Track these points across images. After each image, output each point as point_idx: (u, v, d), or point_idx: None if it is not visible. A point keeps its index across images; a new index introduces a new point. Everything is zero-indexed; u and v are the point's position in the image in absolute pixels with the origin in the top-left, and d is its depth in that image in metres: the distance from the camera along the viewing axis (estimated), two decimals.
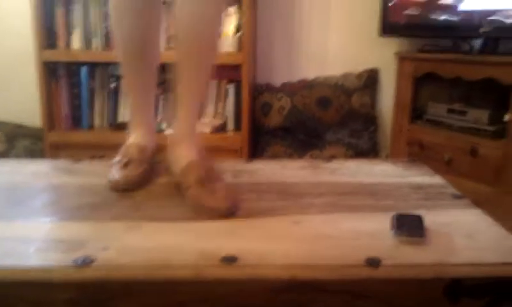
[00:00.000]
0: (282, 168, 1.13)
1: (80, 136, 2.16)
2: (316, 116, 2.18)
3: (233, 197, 0.88)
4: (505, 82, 1.66)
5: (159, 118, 2.23)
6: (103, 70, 2.19)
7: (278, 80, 2.31)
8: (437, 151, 1.88)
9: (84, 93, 2.18)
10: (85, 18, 2.12)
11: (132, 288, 0.65)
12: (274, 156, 2.14)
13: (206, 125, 2.12)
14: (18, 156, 2.12)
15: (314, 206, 0.90)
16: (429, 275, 0.66)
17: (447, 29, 1.93)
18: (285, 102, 2.19)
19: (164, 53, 2.09)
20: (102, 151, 2.04)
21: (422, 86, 2.04)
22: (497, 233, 0.79)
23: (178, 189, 0.93)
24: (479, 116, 1.78)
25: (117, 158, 1.02)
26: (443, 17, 1.92)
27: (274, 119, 2.19)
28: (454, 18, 1.88)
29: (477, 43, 1.92)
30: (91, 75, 2.19)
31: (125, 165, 0.99)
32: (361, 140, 2.16)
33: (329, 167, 1.15)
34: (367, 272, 0.67)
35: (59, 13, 2.11)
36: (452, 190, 0.99)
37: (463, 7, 1.86)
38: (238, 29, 2.08)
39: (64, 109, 2.19)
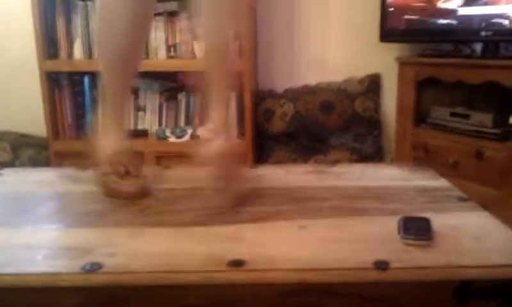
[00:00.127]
0: (287, 173, 1.13)
1: (85, 145, 2.17)
2: (319, 121, 2.19)
3: (241, 195, 0.95)
4: (507, 85, 1.66)
5: (163, 124, 2.24)
6: None
7: (280, 86, 2.32)
8: (442, 154, 1.88)
9: (88, 102, 2.19)
10: (86, 28, 2.13)
11: (140, 293, 0.65)
12: (279, 162, 2.14)
13: (210, 131, 2.12)
14: (23, 165, 2.12)
15: (321, 210, 0.90)
16: (438, 278, 0.66)
17: (447, 33, 1.93)
18: (288, 108, 2.20)
19: (166, 62, 2.14)
20: None
21: (424, 90, 2.04)
22: (505, 235, 0.78)
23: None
24: (483, 119, 1.78)
25: (108, 167, 1.00)
26: (443, 22, 1.92)
27: (278, 125, 2.20)
28: (454, 23, 1.89)
29: (478, 46, 1.92)
30: (94, 84, 2.20)
31: (127, 173, 0.99)
32: (365, 144, 2.16)
33: (334, 171, 1.15)
34: (375, 275, 0.66)
35: (61, 23, 2.13)
36: (458, 193, 0.99)
37: (462, 11, 1.86)
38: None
39: (68, 118, 2.20)
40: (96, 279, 0.65)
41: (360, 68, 2.28)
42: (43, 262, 0.70)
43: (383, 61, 2.25)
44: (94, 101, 2.21)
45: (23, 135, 2.27)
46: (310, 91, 2.25)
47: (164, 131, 2.16)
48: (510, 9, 1.73)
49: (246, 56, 2.03)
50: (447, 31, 1.92)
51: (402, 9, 2.04)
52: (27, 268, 0.68)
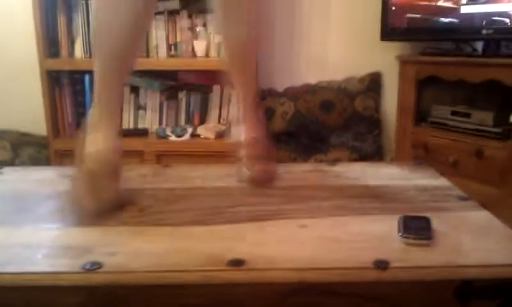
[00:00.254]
0: (287, 172, 1.13)
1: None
2: (319, 119, 2.18)
3: (270, 174, 1.07)
4: (508, 83, 1.66)
5: (164, 123, 2.24)
6: None
7: (280, 85, 2.32)
8: (442, 153, 1.88)
9: (88, 101, 2.19)
10: (87, 27, 2.13)
11: (139, 293, 0.65)
12: (279, 160, 2.12)
13: (210, 130, 2.13)
14: (23, 164, 2.12)
15: (321, 209, 0.89)
16: (438, 277, 0.66)
17: (448, 31, 1.93)
18: (288, 107, 2.19)
19: (167, 60, 2.14)
20: None
21: (424, 89, 2.04)
22: (505, 234, 0.78)
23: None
24: (484, 117, 1.78)
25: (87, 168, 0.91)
26: (444, 20, 1.92)
27: (278, 124, 2.19)
28: (456, 21, 1.88)
29: (479, 45, 1.92)
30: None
31: (114, 174, 0.94)
32: (365, 143, 2.16)
33: (334, 170, 1.15)
34: (375, 275, 0.66)
35: (62, 21, 2.13)
36: (458, 192, 0.99)
37: (464, 9, 1.86)
38: None
39: (68, 116, 2.21)
40: (96, 278, 0.65)
41: (361, 67, 2.28)
42: (43, 261, 0.70)
43: (384, 60, 2.25)
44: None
45: (23, 134, 2.27)
46: (310, 90, 2.25)
47: (164, 130, 2.16)
48: (511, 7, 1.73)
49: None
50: (448, 29, 1.92)
51: (403, 8, 2.04)
52: (27, 267, 0.68)
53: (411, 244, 0.73)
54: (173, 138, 2.12)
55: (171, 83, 2.26)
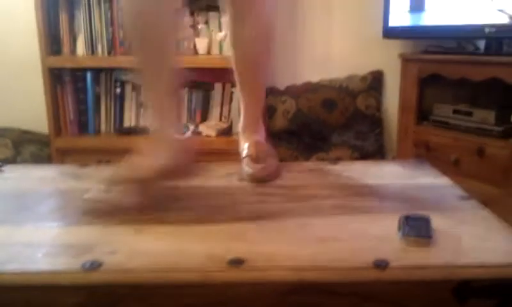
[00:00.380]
0: (288, 171, 1.13)
1: (87, 141, 2.17)
2: (321, 118, 2.18)
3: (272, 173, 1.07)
4: (510, 82, 1.65)
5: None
6: (107, 76, 2.20)
7: (281, 83, 2.32)
8: (444, 152, 1.87)
9: (90, 99, 2.20)
10: (89, 24, 2.13)
11: (139, 292, 0.65)
12: (280, 159, 2.13)
13: (212, 128, 2.13)
14: (24, 162, 2.13)
15: (321, 208, 0.89)
16: (437, 277, 0.66)
17: (450, 30, 1.92)
18: (290, 105, 2.19)
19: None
20: (108, 156, 2.05)
21: (426, 87, 2.03)
22: (505, 234, 0.78)
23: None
24: (486, 116, 1.77)
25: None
26: (446, 18, 1.91)
27: (279, 122, 2.19)
28: (458, 19, 1.88)
29: (481, 43, 1.91)
30: (96, 80, 2.20)
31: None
32: (366, 142, 2.16)
33: (335, 169, 1.15)
34: (374, 274, 0.66)
35: (63, 19, 2.13)
36: (459, 191, 0.98)
37: (466, 7, 1.85)
38: None
39: (70, 114, 2.21)
40: (96, 277, 0.66)
41: (363, 65, 2.28)
42: (43, 260, 0.70)
43: (386, 58, 2.24)
44: (96, 98, 2.21)
45: (25, 132, 2.28)
46: (311, 88, 2.24)
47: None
48: None
49: None
50: (450, 27, 1.91)
51: (405, 5, 2.03)
52: (28, 266, 0.68)
53: (411, 244, 0.73)
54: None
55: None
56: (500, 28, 1.76)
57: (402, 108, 2.09)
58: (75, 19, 2.15)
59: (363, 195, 0.97)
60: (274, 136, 2.21)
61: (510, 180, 1.65)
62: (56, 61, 2.13)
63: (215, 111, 2.24)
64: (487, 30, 1.78)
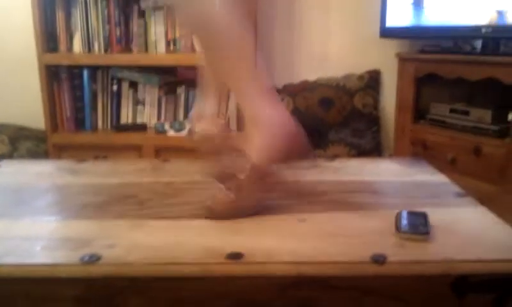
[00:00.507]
0: (286, 167, 1.13)
1: (83, 138, 2.17)
2: (318, 117, 2.19)
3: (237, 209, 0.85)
4: (507, 81, 1.66)
5: (162, 118, 2.23)
6: (104, 73, 2.20)
7: (279, 81, 2.32)
8: (440, 150, 1.88)
9: (87, 96, 2.19)
10: (85, 22, 2.13)
11: (138, 285, 0.65)
12: None
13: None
14: (21, 158, 2.12)
15: (319, 204, 0.90)
16: (435, 272, 0.66)
17: (447, 29, 1.93)
18: (287, 104, 2.20)
19: (166, 56, 2.13)
20: (104, 152, 2.05)
21: (423, 86, 2.04)
22: (502, 230, 0.78)
23: None
24: (482, 115, 1.78)
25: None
26: (443, 18, 1.92)
27: None
28: (455, 19, 1.88)
29: (478, 43, 1.92)
30: (93, 77, 2.19)
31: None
32: (364, 140, 2.17)
33: (332, 166, 1.15)
34: (372, 269, 0.67)
35: (60, 16, 2.12)
36: (455, 188, 0.99)
37: (463, 7, 1.86)
38: None
39: (67, 111, 2.20)
40: (94, 270, 0.65)
41: (360, 64, 2.28)
42: (41, 253, 0.70)
43: (383, 57, 2.25)
44: (93, 95, 2.20)
45: (21, 128, 2.27)
46: (309, 87, 2.25)
47: (162, 125, 2.16)
48: (510, 6, 1.73)
49: None
50: (447, 27, 1.92)
51: (402, 5, 2.04)
52: (26, 259, 0.68)
53: (409, 239, 0.74)
54: (171, 133, 2.12)
55: (170, 78, 2.26)
56: (496, 28, 1.77)
57: (399, 107, 2.10)
58: (71, 16, 2.14)
59: (360, 191, 0.97)
60: None
61: (506, 178, 1.66)
62: (53, 58, 2.12)
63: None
64: (484, 30, 1.79)
